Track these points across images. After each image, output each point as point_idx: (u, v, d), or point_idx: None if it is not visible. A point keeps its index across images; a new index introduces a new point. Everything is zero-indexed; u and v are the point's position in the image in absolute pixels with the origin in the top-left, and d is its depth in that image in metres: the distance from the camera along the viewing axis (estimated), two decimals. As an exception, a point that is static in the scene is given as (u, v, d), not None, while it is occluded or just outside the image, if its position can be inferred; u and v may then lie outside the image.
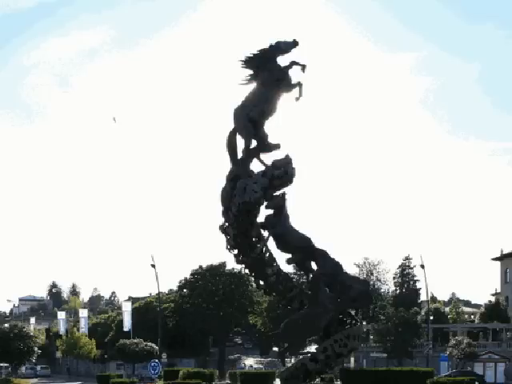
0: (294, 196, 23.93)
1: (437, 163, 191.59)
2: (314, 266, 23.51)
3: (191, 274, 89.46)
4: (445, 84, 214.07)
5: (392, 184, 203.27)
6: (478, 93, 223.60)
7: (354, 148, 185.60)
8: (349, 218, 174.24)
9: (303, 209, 36.21)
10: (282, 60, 23.02)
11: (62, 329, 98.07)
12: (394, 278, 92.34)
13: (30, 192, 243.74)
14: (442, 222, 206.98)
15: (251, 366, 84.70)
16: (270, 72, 22.68)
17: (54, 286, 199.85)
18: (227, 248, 23.47)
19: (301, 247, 23.06)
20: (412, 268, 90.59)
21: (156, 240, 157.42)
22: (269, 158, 22.83)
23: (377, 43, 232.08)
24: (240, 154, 22.91)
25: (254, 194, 22.06)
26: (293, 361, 35.10)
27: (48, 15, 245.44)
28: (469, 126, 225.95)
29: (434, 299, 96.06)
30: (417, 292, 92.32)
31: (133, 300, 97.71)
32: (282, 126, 24.56)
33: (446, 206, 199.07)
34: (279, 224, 22.93)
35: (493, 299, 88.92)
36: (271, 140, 22.85)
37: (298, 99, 22.94)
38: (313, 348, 25.91)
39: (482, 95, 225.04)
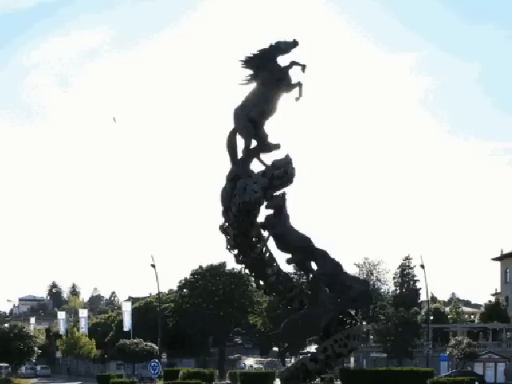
0: (294, 196, 23.96)
1: (437, 163, 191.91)
2: (314, 265, 23.51)
3: (191, 274, 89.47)
4: (445, 84, 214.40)
5: (392, 184, 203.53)
6: (478, 93, 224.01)
7: (354, 148, 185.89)
8: (349, 218, 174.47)
9: (303, 209, 36.23)
10: (282, 60, 23.02)
11: (62, 329, 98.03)
12: (394, 278, 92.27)
13: (29, 192, 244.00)
14: (441, 221, 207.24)
15: (251, 366, 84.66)
16: (269, 72, 22.67)
17: (54, 286, 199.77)
18: (227, 248, 23.46)
19: (301, 247, 23.05)
20: (412, 268, 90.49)
21: (156, 240, 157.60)
22: (269, 157, 22.86)
23: (377, 43, 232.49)
24: (240, 154, 22.90)
25: (254, 194, 22.06)
26: (293, 361, 35.09)
27: (48, 15, 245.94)
28: (469, 125, 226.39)
29: (434, 299, 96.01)
30: (417, 292, 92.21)
31: (133, 300, 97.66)
32: (282, 125, 24.58)
33: (446, 206, 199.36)
34: (279, 224, 22.92)
35: (493, 299, 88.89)
36: (271, 140, 22.85)
37: (297, 99, 22.94)
38: (313, 348, 25.90)
39: (482, 95, 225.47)
